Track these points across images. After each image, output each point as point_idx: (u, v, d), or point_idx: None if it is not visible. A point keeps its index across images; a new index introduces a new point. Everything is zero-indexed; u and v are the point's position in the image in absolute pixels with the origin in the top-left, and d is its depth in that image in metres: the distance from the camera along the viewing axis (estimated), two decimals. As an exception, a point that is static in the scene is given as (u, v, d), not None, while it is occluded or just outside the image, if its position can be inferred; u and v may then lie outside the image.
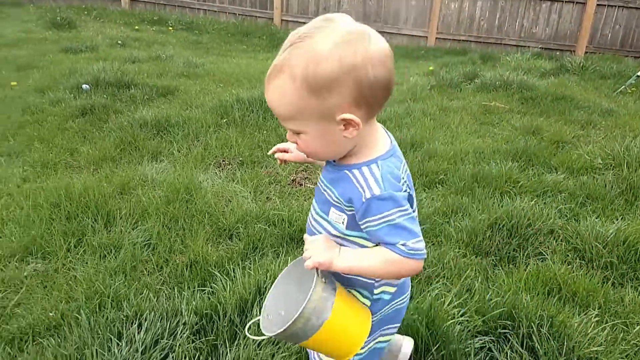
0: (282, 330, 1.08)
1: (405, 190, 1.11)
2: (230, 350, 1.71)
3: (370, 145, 1.12)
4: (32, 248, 2.38)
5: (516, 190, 3.16)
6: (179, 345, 1.74)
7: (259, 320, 1.19)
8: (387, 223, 1.06)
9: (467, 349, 1.81)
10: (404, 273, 1.10)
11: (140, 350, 1.70)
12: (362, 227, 1.11)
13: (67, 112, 4.45)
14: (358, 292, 1.25)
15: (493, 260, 2.45)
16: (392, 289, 1.26)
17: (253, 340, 1.48)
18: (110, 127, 4.10)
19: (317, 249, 1.12)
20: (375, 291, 1.23)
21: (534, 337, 1.84)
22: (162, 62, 7.07)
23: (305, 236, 1.20)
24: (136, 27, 9.84)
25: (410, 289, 1.36)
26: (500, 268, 2.38)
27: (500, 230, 2.60)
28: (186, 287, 2.12)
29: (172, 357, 1.71)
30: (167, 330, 1.80)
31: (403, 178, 1.11)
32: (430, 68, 7.62)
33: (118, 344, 1.73)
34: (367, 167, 1.09)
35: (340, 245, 1.17)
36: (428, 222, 2.75)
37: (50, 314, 1.94)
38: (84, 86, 5.14)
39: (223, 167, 3.50)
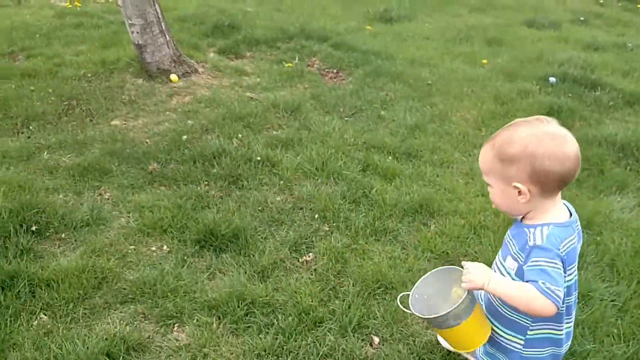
0: (427, 317, 1.54)
1: (563, 254, 1.38)
2: None
3: (545, 213, 1.44)
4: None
5: None
6: None
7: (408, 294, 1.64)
8: (538, 267, 1.33)
9: None
10: (536, 308, 1.32)
11: None
12: (525, 269, 1.38)
13: (534, 107, 4.73)
14: (511, 334, 1.58)
15: None
16: (550, 331, 1.54)
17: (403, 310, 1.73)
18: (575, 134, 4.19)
19: (476, 275, 1.41)
20: (529, 332, 1.54)
21: None
22: (627, 53, 6.57)
23: (464, 263, 1.49)
24: (600, 1, 9.26)
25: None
26: None
27: None
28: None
29: None
30: None
31: (565, 246, 1.39)
32: None
33: None
34: (540, 228, 1.40)
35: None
36: None
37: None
38: (550, 79, 5.29)
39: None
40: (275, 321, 2.26)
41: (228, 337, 2.20)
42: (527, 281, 1.34)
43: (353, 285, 2.49)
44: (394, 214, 3.07)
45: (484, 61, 6.07)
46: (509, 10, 8.43)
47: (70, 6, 8.18)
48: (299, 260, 2.69)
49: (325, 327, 2.24)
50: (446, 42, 6.95)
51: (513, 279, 1.46)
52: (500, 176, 1.43)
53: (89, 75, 4.94)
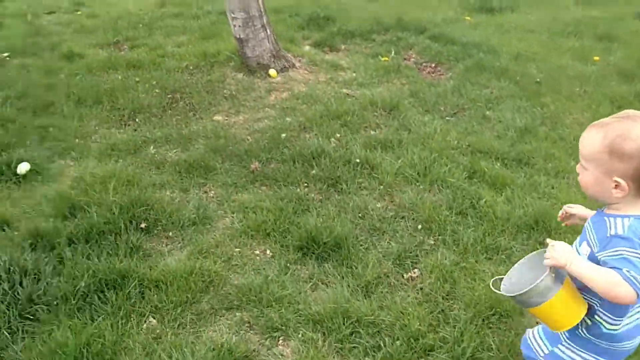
0: (511, 295, 1.49)
1: None
2: None
3: (630, 206, 1.40)
4: None
5: None
6: None
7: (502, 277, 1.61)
8: (621, 256, 1.31)
9: None
10: (618, 294, 1.29)
11: None
12: (599, 257, 1.36)
13: None
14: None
15: None
16: (611, 326, 1.46)
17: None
18: None
19: (560, 252, 1.37)
20: (595, 316, 1.48)
21: None
22: None
23: (548, 240, 1.44)
24: None
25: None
26: None
27: None
28: None
29: None
30: None
31: None
32: None
33: None
34: (620, 218, 1.38)
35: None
36: None
37: None
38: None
39: None
40: (382, 344, 2.16)
41: (334, 357, 2.13)
42: (610, 267, 1.32)
43: (464, 310, 2.34)
44: (507, 229, 2.86)
45: (596, 58, 5.58)
46: (617, 2, 7.70)
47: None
48: (403, 277, 2.57)
49: (437, 356, 2.11)
50: (552, 36, 6.45)
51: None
52: (604, 167, 1.38)
53: (191, 67, 5.05)
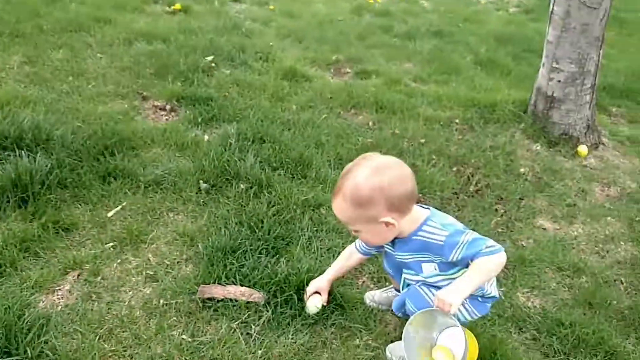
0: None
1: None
2: None
3: (410, 223, 1.56)
4: None
5: None
6: None
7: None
8: (466, 242, 1.48)
9: None
10: (498, 268, 1.50)
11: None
12: (453, 259, 1.50)
13: None
14: None
15: None
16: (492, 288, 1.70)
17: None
18: None
19: (449, 299, 1.41)
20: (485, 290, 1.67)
21: None
22: None
23: (434, 298, 1.49)
24: None
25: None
26: None
27: None
28: None
29: None
30: None
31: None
32: None
33: None
34: (426, 225, 1.55)
35: (438, 283, 1.61)
36: None
37: None
38: None
39: None
40: None
41: None
42: (472, 259, 1.47)
43: None
44: None
45: None
46: None
47: (371, 1, 7.17)
48: None
49: None
50: None
51: (439, 274, 1.61)
52: (365, 219, 1.49)
53: (457, 122, 3.70)
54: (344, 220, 1.54)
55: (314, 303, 1.88)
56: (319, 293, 1.91)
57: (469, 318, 1.71)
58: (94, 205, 2.44)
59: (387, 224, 1.49)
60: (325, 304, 1.90)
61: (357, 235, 1.61)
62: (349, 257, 1.92)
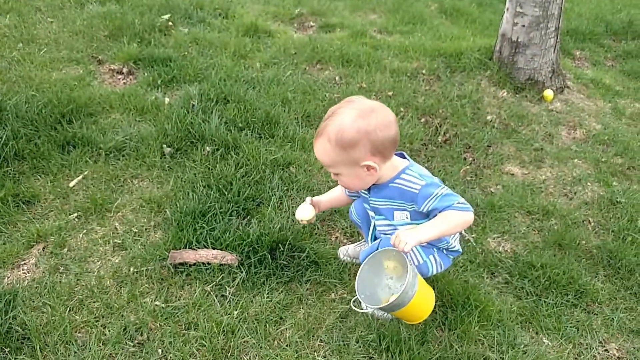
0: (391, 302, 1.51)
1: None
2: None
3: (392, 167, 1.59)
4: None
5: None
6: None
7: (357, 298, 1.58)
8: (440, 195, 1.52)
9: None
10: (465, 224, 1.53)
11: None
12: (425, 209, 1.54)
13: None
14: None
15: None
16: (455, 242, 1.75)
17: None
18: None
19: (405, 237, 1.45)
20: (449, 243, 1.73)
21: None
22: None
23: (392, 237, 1.50)
24: None
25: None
26: None
27: None
28: None
29: None
30: None
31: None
32: None
33: None
34: (404, 174, 1.58)
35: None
36: None
37: None
38: None
39: None
40: None
41: None
42: (441, 211, 1.51)
43: None
44: None
45: None
46: None
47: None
48: None
49: None
50: None
51: (409, 224, 1.63)
52: (348, 162, 1.50)
53: (424, 72, 3.66)
54: (326, 162, 1.54)
55: (302, 212, 1.75)
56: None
57: (435, 271, 1.74)
58: (55, 175, 2.35)
59: (368, 167, 1.51)
60: (311, 221, 1.78)
61: (337, 179, 1.61)
62: (341, 192, 1.87)
